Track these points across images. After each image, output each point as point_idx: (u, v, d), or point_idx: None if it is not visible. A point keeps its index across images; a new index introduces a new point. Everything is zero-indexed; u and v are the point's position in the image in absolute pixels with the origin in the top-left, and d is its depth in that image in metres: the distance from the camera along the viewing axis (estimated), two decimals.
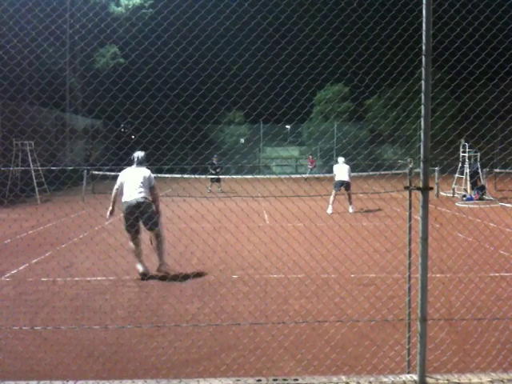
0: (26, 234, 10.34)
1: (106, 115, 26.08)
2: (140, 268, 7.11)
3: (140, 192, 7.15)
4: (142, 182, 7.20)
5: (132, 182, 7.23)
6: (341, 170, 14.22)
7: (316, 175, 25.18)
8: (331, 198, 14.14)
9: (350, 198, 14.31)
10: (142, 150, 7.44)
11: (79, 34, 22.57)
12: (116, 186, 7.36)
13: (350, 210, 14.17)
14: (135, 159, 7.44)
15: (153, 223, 7.07)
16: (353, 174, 17.61)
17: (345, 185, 14.08)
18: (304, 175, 25.75)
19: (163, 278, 6.96)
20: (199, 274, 7.19)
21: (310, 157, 29.77)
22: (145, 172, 7.33)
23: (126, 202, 7.14)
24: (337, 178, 14.19)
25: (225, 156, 26.74)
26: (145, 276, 7.04)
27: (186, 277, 6.95)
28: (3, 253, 8.60)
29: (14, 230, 10.44)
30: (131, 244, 7.23)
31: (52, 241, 8.99)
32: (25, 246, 8.68)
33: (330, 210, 13.93)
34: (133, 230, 7.19)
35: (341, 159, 14.67)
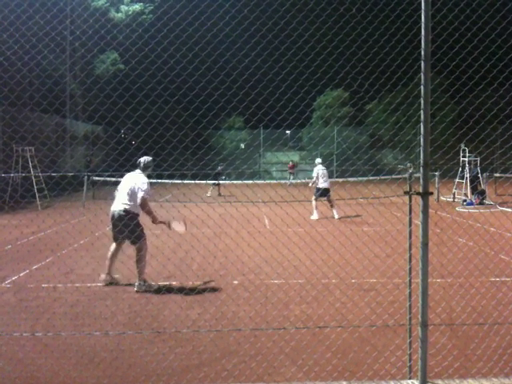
0: (26, 240, 10.33)
1: (106, 121, 26.15)
2: (102, 276, 6.98)
3: (123, 203, 6.72)
4: (127, 192, 6.73)
5: (120, 189, 6.87)
6: (323, 175, 13.44)
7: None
8: (313, 202, 13.53)
9: (332, 205, 13.60)
10: (144, 155, 7.11)
11: (79, 40, 22.68)
12: (115, 193, 7.03)
13: (336, 216, 13.34)
14: (138, 163, 6.95)
15: (134, 238, 6.66)
16: (352, 179, 17.53)
17: (326, 192, 13.37)
18: (288, 181, 25.53)
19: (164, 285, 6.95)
20: (200, 280, 7.18)
21: (291, 162, 29.68)
22: (136, 178, 6.76)
23: (111, 210, 6.85)
24: (320, 185, 13.35)
25: (225, 161, 26.75)
26: (106, 283, 6.94)
27: (186, 283, 6.93)
28: (4, 259, 8.59)
29: (14, 235, 10.44)
30: (113, 245, 7.03)
31: (52, 247, 8.99)
32: (25, 252, 8.68)
33: (316, 216, 13.40)
34: (117, 240, 6.94)
35: (319, 160, 13.88)
